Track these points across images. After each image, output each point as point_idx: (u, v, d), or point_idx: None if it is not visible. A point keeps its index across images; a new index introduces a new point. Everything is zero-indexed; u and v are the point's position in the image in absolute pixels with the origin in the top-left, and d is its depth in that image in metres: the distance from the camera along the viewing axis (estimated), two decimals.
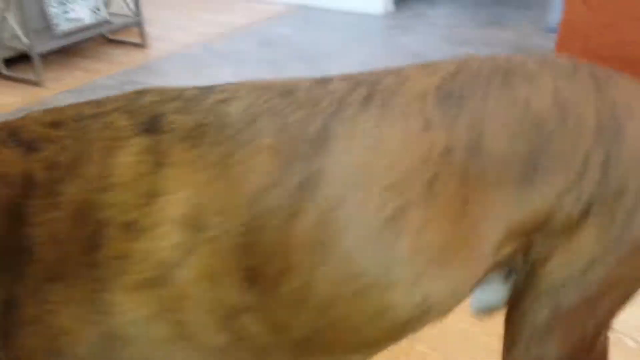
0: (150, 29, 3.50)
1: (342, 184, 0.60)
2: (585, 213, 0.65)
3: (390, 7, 3.88)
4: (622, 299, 0.70)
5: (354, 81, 0.68)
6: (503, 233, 0.66)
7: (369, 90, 0.66)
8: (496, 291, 0.79)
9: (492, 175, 0.63)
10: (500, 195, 0.64)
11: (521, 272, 0.71)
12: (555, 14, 3.24)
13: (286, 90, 0.66)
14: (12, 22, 2.61)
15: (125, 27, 3.18)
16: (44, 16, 2.89)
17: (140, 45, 3.18)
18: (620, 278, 0.68)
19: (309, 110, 0.63)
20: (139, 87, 2.63)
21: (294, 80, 0.69)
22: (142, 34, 3.14)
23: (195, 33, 3.45)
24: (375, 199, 0.61)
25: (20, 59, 2.94)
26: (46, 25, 2.89)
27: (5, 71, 2.73)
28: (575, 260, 0.67)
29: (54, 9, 2.72)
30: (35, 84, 2.63)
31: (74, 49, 3.14)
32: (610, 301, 0.69)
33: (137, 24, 3.11)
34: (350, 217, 0.60)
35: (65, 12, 2.77)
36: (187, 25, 3.63)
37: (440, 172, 0.62)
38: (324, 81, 0.68)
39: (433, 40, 3.26)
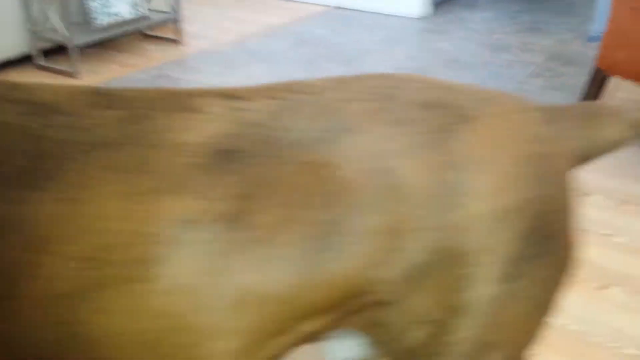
0: (187, 27, 3.53)
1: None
2: (415, 278, 0.58)
3: (429, 10, 3.83)
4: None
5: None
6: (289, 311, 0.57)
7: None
8: (350, 347, 0.72)
9: None
10: None
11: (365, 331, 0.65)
12: (597, 23, 3.14)
13: None
14: (52, 14, 2.66)
15: (162, 24, 3.21)
16: (84, 10, 2.93)
17: (176, 42, 3.20)
18: (462, 339, 0.61)
19: None
20: (171, 81, 2.64)
21: None
22: (178, 31, 3.16)
23: (231, 31, 3.47)
24: None
25: (58, 51, 3.00)
26: (85, 19, 2.94)
27: (42, 62, 2.78)
28: (414, 326, 0.61)
29: (94, 3, 2.76)
30: (71, 75, 2.68)
31: (111, 42, 3.19)
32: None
33: (175, 20, 3.14)
34: None
35: (105, 6, 2.81)
36: (223, 23, 3.65)
37: None
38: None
39: (470, 45, 3.19)
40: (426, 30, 3.51)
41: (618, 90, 2.54)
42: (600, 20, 3.12)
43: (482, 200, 0.57)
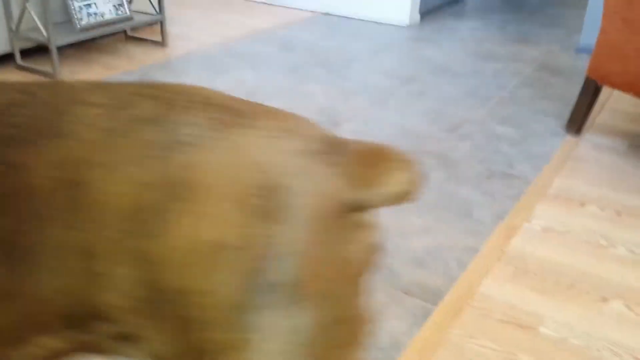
0: (172, 28, 3.46)
1: None
2: (148, 313, 0.52)
3: (416, 18, 3.81)
4: None
5: None
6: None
7: None
8: None
9: None
10: None
11: None
12: (586, 35, 3.15)
13: None
14: (33, 13, 2.58)
15: (146, 25, 3.14)
16: (65, 9, 2.85)
17: (160, 44, 3.13)
18: None
19: None
20: None
21: None
22: (163, 33, 3.09)
23: (216, 34, 3.41)
24: None
25: (38, 51, 2.91)
26: (67, 19, 2.86)
27: (21, 62, 2.69)
28: None
29: (76, 3, 2.68)
30: (51, 76, 2.59)
31: (94, 44, 3.11)
32: None
33: (159, 22, 3.07)
34: None
35: (88, 6, 2.73)
36: (209, 26, 3.59)
37: None
38: None
39: (459, 54, 3.18)
40: (413, 38, 3.49)
41: (608, 100, 2.54)
42: (588, 31, 3.13)
43: (187, 231, 0.50)
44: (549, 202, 1.72)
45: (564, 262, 1.44)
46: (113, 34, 3.26)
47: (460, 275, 1.39)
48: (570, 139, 2.15)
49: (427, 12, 4.03)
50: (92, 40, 3.16)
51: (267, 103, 2.41)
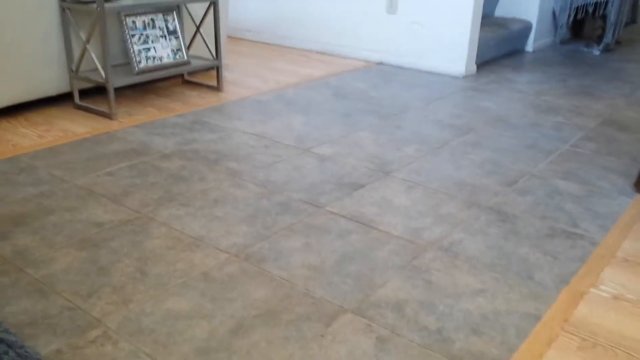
0: (228, 75, 3.51)
1: None
2: None
3: (472, 69, 3.74)
4: None
5: None
6: None
7: None
8: None
9: None
10: None
11: None
12: None
13: None
14: (93, 54, 2.66)
15: (203, 70, 3.20)
16: (124, 52, 2.94)
17: (215, 89, 3.17)
18: None
19: None
20: (207, 127, 2.58)
21: None
22: (219, 78, 3.14)
23: (270, 81, 3.43)
24: None
25: (97, 91, 2.99)
26: (126, 61, 2.94)
27: (79, 102, 2.76)
28: None
29: (135, 47, 2.75)
30: (107, 116, 2.64)
31: (151, 86, 3.18)
32: None
33: (216, 67, 3.12)
34: None
35: (147, 50, 2.80)
36: (263, 73, 3.63)
37: None
38: None
39: (517, 106, 3.07)
40: (469, 88, 3.41)
41: None
42: None
43: None
44: (618, 266, 1.57)
45: (636, 336, 1.29)
46: (170, 78, 3.33)
47: (520, 345, 1.25)
48: (639, 198, 1.99)
49: (484, 63, 3.96)
50: (150, 82, 3.23)
51: (316, 148, 2.37)
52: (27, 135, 2.41)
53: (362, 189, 2.02)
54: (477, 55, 3.77)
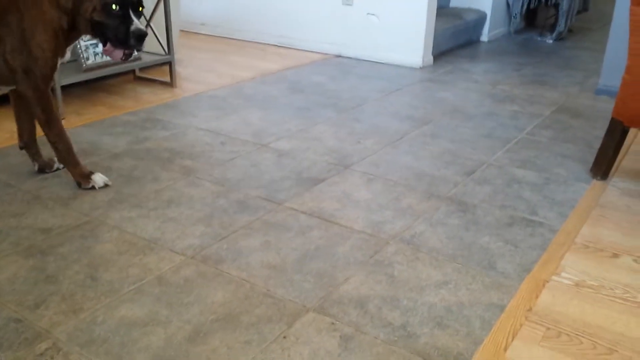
0: (182, 70, 3.41)
1: None
2: None
3: (429, 60, 3.75)
4: None
5: None
6: None
7: None
8: None
9: None
10: None
11: None
12: (606, 76, 3.05)
13: None
14: None
15: (155, 66, 3.10)
16: (72, 49, 2.81)
17: (168, 85, 3.08)
18: None
19: None
20: (161, 124, 2.49)
21: None
22: (172, 73, 3.04)
23: (226, 76, 3.36)
24: None
25: None
26: (73, 58, 2.81)
27: None
28: None
29: (82, 42, 2.64)
30: None
31: (100, 84, 3.06)
32: None
33: (168, 63, 3.02)
34: None
35: (94, 45, 2.69)
36: (218, 68, 3.55)
37: None
38: None
39: (473, 96, 3.08)
40: (427, 80, 3.41)
41: (633, 143, 2.41)
42: (608, 73, 3.03)
43: None
44: (578, 252, 1.58)
45: (600, 323, 1.29)
46: (121, 74, 3.21)
47: (485, 337, 1.24)
48: (596, 183, 2.02)
49: (440, 54, 3.97)
50: (99, 80, 3.11)
51: (274, 144, 2.32)
52: None
53: (321, 183, 1.98)
54: (433, 46, 3.78)
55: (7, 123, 2.45)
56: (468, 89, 3.22)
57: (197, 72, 3.43)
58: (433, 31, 3.72)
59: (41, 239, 1.58)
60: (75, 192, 1.85)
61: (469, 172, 2.09)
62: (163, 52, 3.03)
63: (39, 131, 1.88)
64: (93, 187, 1.87)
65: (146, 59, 2.94)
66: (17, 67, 1.68)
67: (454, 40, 4.21)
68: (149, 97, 2.89)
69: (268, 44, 4.26)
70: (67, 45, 1.79)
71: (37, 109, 1.76)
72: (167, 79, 3.09)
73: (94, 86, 3.00)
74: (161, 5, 2.98)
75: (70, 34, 1.76)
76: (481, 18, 4.49)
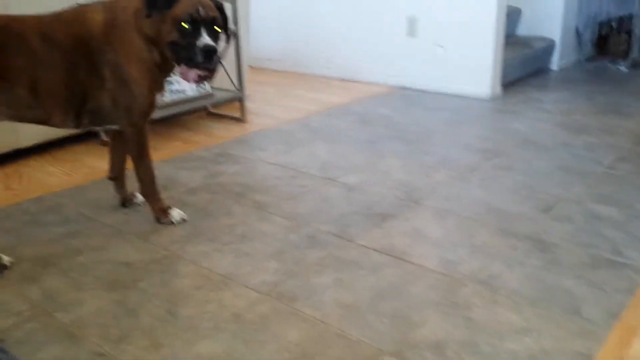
0: (251, 105, 3.51)
1: None
2: None
3: (498, 90, 3.69)
4: None
5: None
6: None
7: None
8: None
9: None
10: None
11: None
12: None
13: None
14: None
15: (227, 102, 3.20)
16: None
17: (239, 120, 3.17)
18: None
19: None
20: (232, 159, 2.56)
21: None
22: (242, 109, 3.13)
23: (292, 110, 3.42)
24: None
25: None
26: None
27: (105, 138, 2.76)
28: None
29: None
30: None
31: (175, 120, 3.19)
32: None
33: (239, 99, 3.12)
34: None
35: (170, 83, 2.81)
36: (284, 102, 3.62)
37: None
38: None
39: (546, 126, 3.00)
40: (496, 110, 3.35)
41: None
42: None
43: None
44: None
45: None
46: (195, 110, 3.33)
47: None
48: None
49: (509, 84, 3.90)
50: (174, 116, 3.24)
51: (342, 177, 2.33)
52: (54, 174, 2.42)
53: (392, 219, 1.96)
54: (502, 76, 3.72)
55: (87, 159, 2.59)
56: (540, 119, 3.14)
57: (264, 106, 3.52)
58: (501, 60, 3.66)
59: (122, 273, 1.64)
60: (154, 227, 1.92)
61: (547, 208, 2.02)
62: (234, 89, 3.13)
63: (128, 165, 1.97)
64: (171, 222, 1.93)
65: (218, 95, 3.04)
66: (120, 103, 1.75)
67: (523, 70, 4.13)
68: (221, 133, 2.98)
69: (332, 77, 4.32)
70: (163, 78, 1.82)
71: (132, 144, 1.83)
72: (238, 114, 3.18)
73: (170, 122, 3.12)
74: (232, 43, 3.09)
75: (164, 67, 1.78)
76: (550, 46, 4.39)
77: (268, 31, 4.54)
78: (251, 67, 4.61)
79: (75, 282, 1.59)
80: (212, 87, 3.03)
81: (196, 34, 1.67)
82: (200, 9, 1.67)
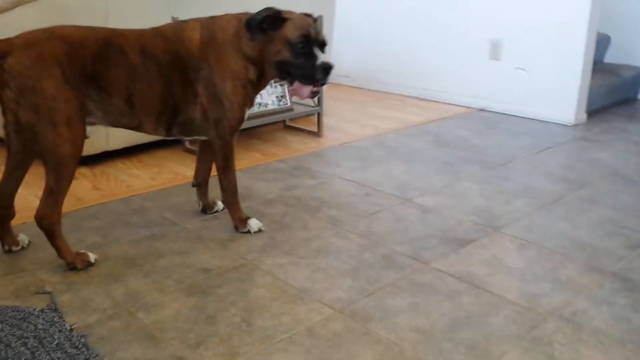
0: (327, 120, 3.54)
1: None
2: None
3: (582, 117, 3.55)
4: None
5: None
6: None
7: None
8: None
9: None
10: None
11: None
12: None
13: None
14: None
15: (304, 116, 3.25)
16: None
17: (315, 134, 3.20)
18: None
19: None
20: (309, 173, 2.59)
21: None
22: (319, 123, 3.17)
23: (367, 126, 3.43)
24: None
25: None
26: None
27: (188, 145, 2.86)
28: None
29: None
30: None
31: (254, 131, 3.26)
32: None
33: (317, 113, 3.15)
34: None
35: None
36: (360, 118, 3.63)
37: None
38: None
39: (636, 159, 2.85)
40: (580, 138, 3.22)
41: None
42: None
43: None
44: None
45: None
46: (273, 123, 3.40)
47: None
48: None
49: (594, 111, 3.74)
50: (253, 127, 3.31)
51: (418, 198, 2.30)
52: (140, 177, 2.53)
53: (469, 245, 1.92)
54: (587, 103, 3.58)
55: (170, 164, 2.69)
56: (627, 150, 2.99)
57: (340, 122, 3.54)
58: (588, 87, 3.52)
59: (202, 279, 1.68)
60: (232, 235, 1.97)
61: (635, 246, 1.92)
62: (312, 104, 3.17)
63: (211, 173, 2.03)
64: (248, 231, 1.97)
65: (298, 109, 3.09)
66: (210, 117, 1.82)
67: (609, 98, 3.96)
68: (298, 146, 3.02)
69: (408, 96, 4.30)
70: (255, 95, 1.90)
71: (219, 156, 1.90)
72: (314, 128, 3.22)
73: (249, 133, 3.20)
74: None
75: (258, 84, 1.86)
76: (639, 75, 4.19)
77: (346, 48, 4.58)
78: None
79: (157, 284, 1.65)
80: (292, 102, 3.09)
81: (310, 53, 1.76)
82: (311, 29, 1.74)
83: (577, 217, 2.15)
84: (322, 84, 1.81)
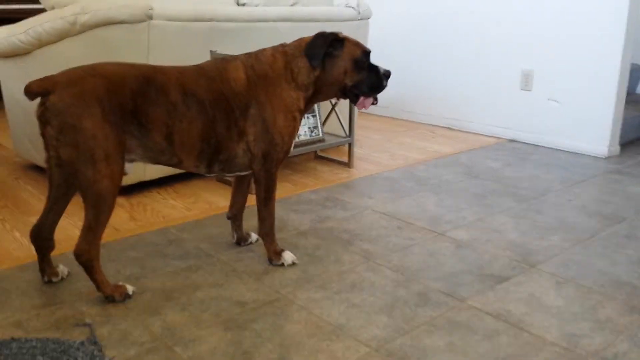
0: (356, 150, 3.56)
1: None
2: None
3: (615, 150, 3.50)
4: None
5: None
6: None
7: None
8: None
9: None
10: None
11: None
12: None
13: None
14: None
15: (335, 147, 3.27)
16: None
17: (345, 165, 3.22)
18: None
19: None
20: (339, 204, 2.60)
21: None
22: (350, 154, 3.19)
23: (397, 157, 3.43)
24: None
25: None
26: None
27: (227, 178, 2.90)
28: None
29: None
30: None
31: (286, 161, 3.29)
32: None
33: (348, 144, 3.18)
34: None
35: None
36: (389, 148, 3.64)
37: None
38: None
39: None
40: (614, 171, 3.18)
41: None
42: None
43: None
44: None
45: None
46: (304, 153, 3.43)
47: None
48: None
49: (627, 144, 3.70)
50: (287, 158, 3.35)
51: (451, 232, 2.29)
52: (176, 207, 2.57)
53: (506, 282, 1.90)
54: (620, 135, 3.53)
55: (206, 194, 2.73)
56: None
57: (370, 152, 3.56)
58: (621, 118, 3.49)
59: (237, 313, 1.70)
60: (266, 268, 1.98)
61: None
62: (344, 135, 3.19)
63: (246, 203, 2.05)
64: (282, 264, 1.98)
65: (329, 140, 3.12)
66: (258, 151, 1.84)
67: None
68: (328, 176, 3.04)
69: (437, 126, 4.30)
70: (300, 124, 1.94)
71: (261, 187, 1.91)
72: (344, 159, 3.24)
73: (282, 164, 3.23)
74: None
75: (305, 109, 1.91)
76: None
77: None
78: (358, 112, 4.70)
79: (194, 317, 1.67)
80: (323, 133, 3.12)
81: (371, 65, 1.88)
82: (362, 44, 1.86)
83: (614, 254, 2.11)
84: (380, 92, 1.93)
